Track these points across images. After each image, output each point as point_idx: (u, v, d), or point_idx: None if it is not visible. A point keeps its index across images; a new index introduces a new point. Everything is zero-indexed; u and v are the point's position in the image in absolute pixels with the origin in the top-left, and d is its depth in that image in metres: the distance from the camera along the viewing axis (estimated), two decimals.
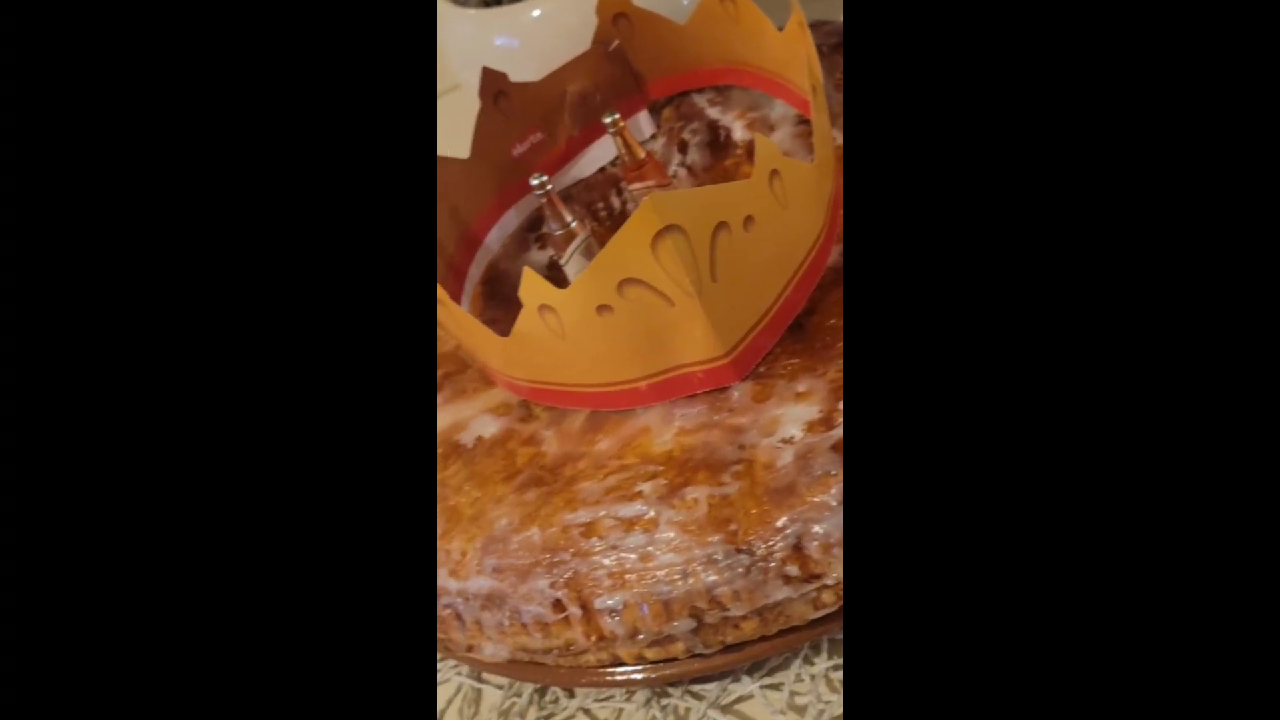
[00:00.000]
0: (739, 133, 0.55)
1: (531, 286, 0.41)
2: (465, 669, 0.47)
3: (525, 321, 0.43)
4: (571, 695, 0.45)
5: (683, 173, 0.55)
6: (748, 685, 0.42)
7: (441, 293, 0.45)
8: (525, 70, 0.57)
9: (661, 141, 0.57)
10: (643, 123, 0.58)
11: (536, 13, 0.61)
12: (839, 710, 0.40)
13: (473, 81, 0.56)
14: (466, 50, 0.64)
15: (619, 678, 0.42)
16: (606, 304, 0.41)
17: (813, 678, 0.42)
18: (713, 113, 0.56)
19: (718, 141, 0.55)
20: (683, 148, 0.56)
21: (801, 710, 0.41)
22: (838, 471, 0.39)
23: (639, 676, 0.42)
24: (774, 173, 0.42)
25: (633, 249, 0.40)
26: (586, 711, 0.44)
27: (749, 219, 0.42)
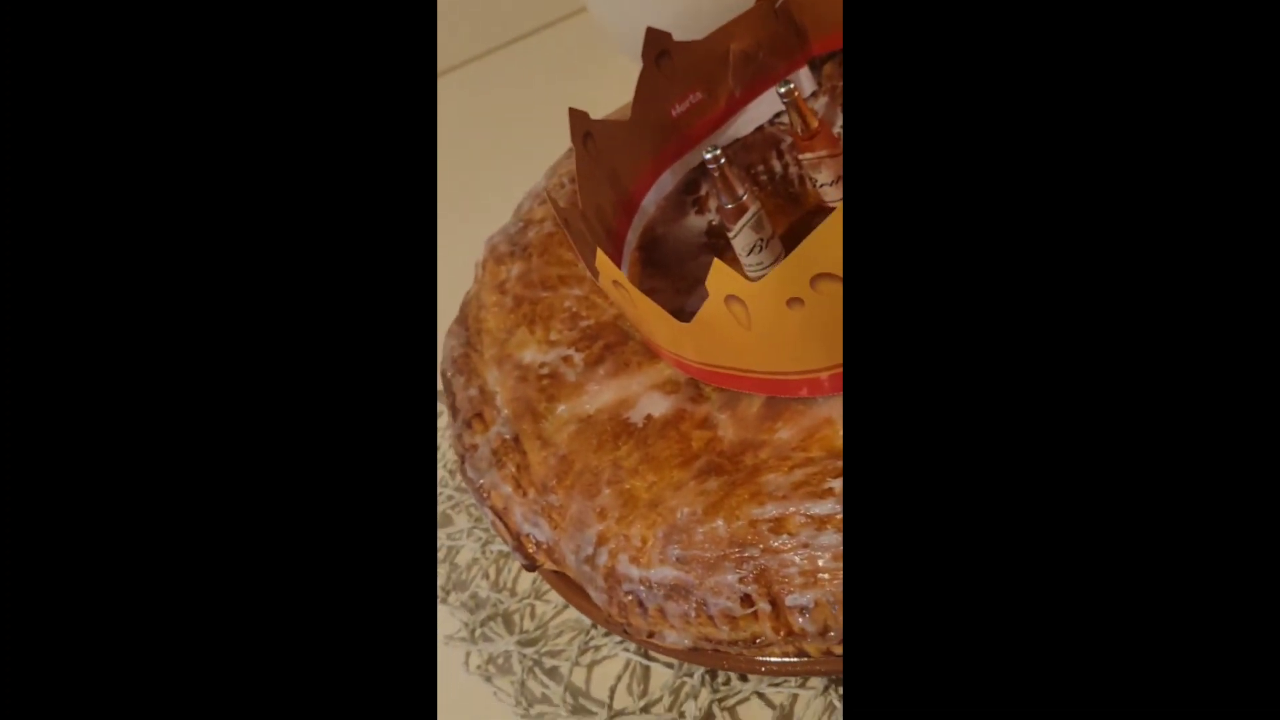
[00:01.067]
0: None
1: (720, 277, 0.40)
2: (632, 645, 0.47)
3: (710, 310, 0.41)
4: (745, 679, 0.45)
5: (841, 136, 0.53)
6: None
7: (619, 273, 0.43)
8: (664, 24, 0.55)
9: (824, 100, 0.55)
10: (804, 80, 0.55)
11: None
12: None
13: (609, 17, 0.54)
14: None
15: (795, 665, 0.42)
16: (798, 297, 0.39)
17: None
18: None
19: None
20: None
21: None
22: None
23: (822, 662, 0.41)
24: None
25: (828, 246, 0.38)
26: (761, 695, 0.44)
27: None
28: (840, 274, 0.39)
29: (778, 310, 0.40)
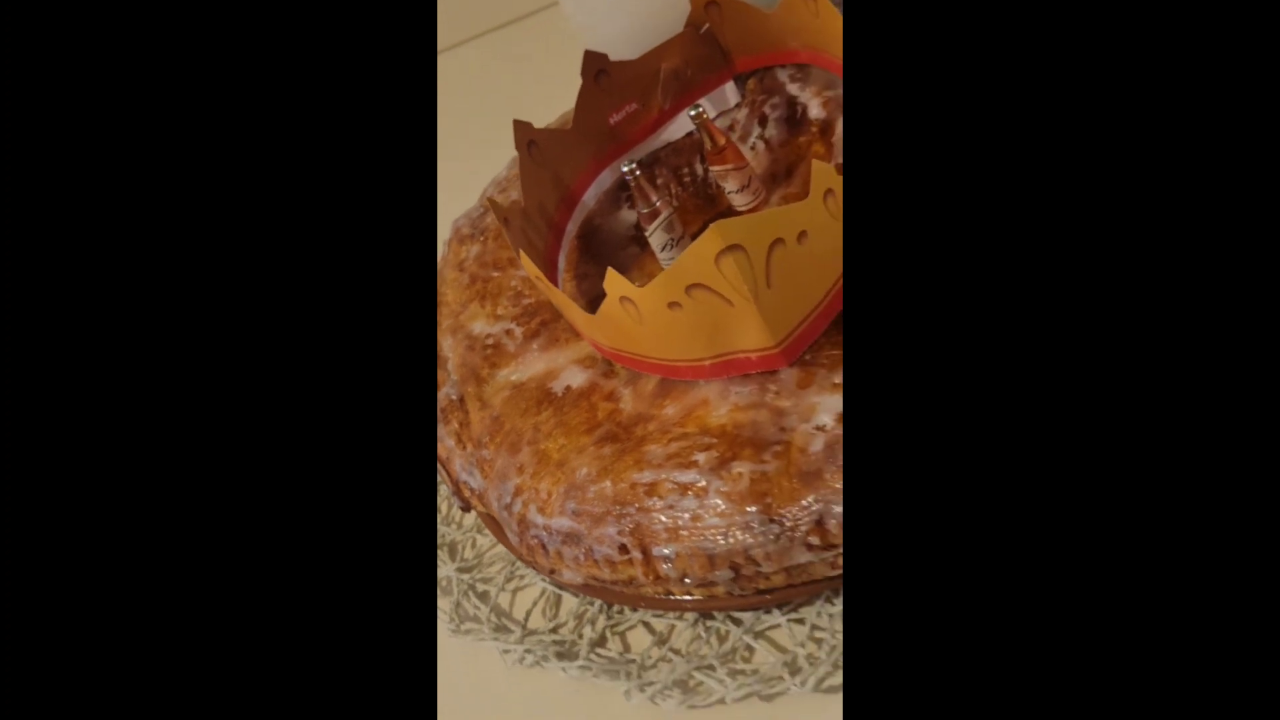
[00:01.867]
0: (815, 110, 0.59)
1: (614, 282, 0.47)
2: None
3: (608, 307, 0.49)
4: (635, 610, 0.53)
5: (760, 145, 0.60)
6: (777, 618, 0.50)
7: (537, 271, 0.51)
8: (621, 30, 0.62)
9: (744, 112, 0.61)
10: (729, 93, 0.62)
11: None
12: None
13: (579, 16, 0.61)
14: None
15: (674, 601, 0.50)
16: (677, 302, 0.47)
17: (831, 616, 0.49)
18: (793, 88, 0.60)
19: (795, 117, 0.60)
20: (762, 121, 0.60)
21: (818, 642, 0.49)
22: None
23: (690, 600, 0.50)
24: (828, 191, 0.47)
25: (700, 262, 0.45)
26: (646, 624, 0.52)
27: (803, 234, 0.47)
28: (712, 286, 0.46)
29: (661, 311, 0.47)
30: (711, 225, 0.44)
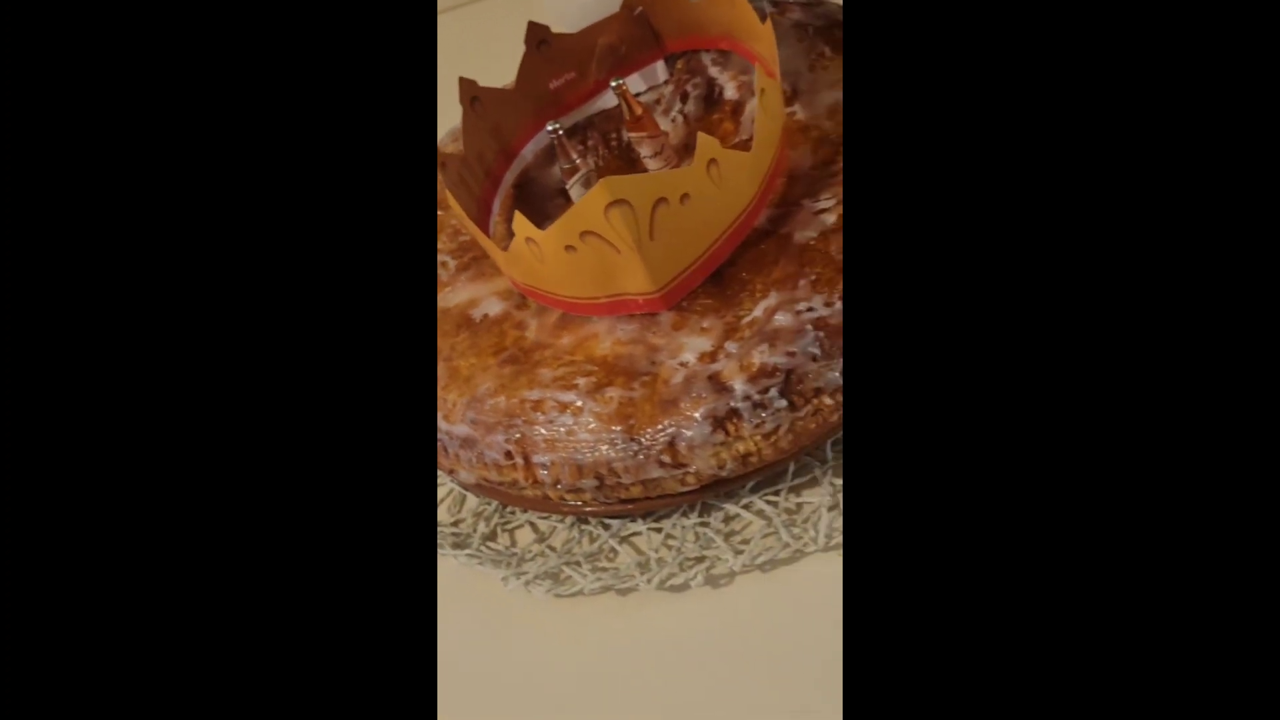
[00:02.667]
0: (730, 91, 0.65)
1: (521, 224, 0.54)
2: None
3: (517, 245, 0.55)
4: (524, 511, 0.60)
5: (680, 119, 0.66)
6: (640, 525, 0.57)
7: (462, 212, 0.57)
8: (571, 7, 0.68)
9: (670, 88, 0.67)
10: (659, 70, 0.68)
11: None
12: (695, 552, 0.54)
13: None
14: None
15: (553, 504, 0.57)
16: (572, 245, 0.53)
17: (684, 527, 0.56)
18: (713, 71, 0.66)
19: (712, 96, 0.66)
20: (684, 97, 0.66)
21: (670, 548, 0.55)
22: (708, 395, 0.52)
23: (569, 506, 0.56)
24: (712, 161, 0.53)
25: (592, 212, 0.52)
26: (532, 524, 0.59)
27: (685, 196, 0.53)
28: (601, 234, 0.53)
29: (559, 252, 0.54)
30: (601, 181, 0.50)
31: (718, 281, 0.56)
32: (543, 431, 0.54)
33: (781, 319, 0.52)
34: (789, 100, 0.62)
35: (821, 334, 0.52)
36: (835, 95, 0.62)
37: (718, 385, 0.52)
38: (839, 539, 0.53)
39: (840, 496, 0.54)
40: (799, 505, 0.55)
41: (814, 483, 0.55)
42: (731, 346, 0.53)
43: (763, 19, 0.60)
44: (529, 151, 0.68)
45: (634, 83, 0.68)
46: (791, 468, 0.55)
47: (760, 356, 0.52)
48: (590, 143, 0.67)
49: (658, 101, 0.67)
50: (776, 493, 0.55)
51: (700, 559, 0.54)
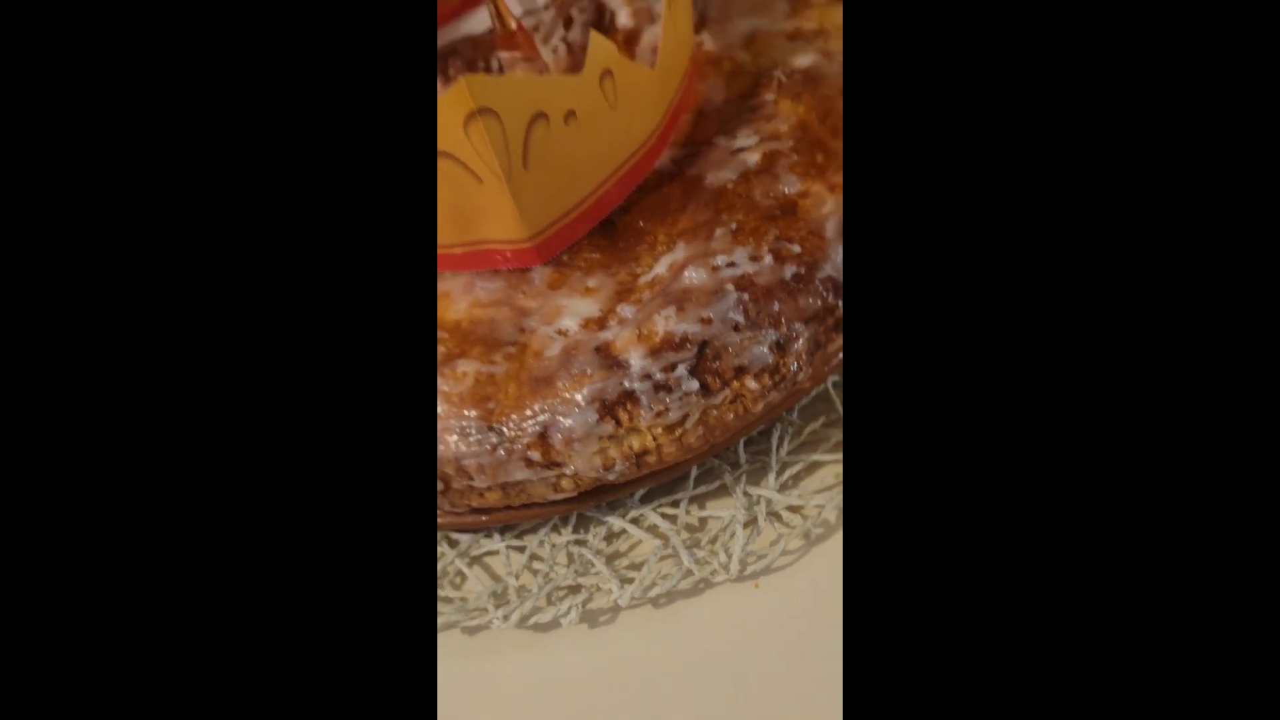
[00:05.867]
0: (623, 18, 0.49)
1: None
2: None
3: None
4: None
5: (562, 48, 0.49)
6: (496, 543, 0.39)
7: None
8: None
9: (551, 13, 0.51)
10: None
11: None
12: (568, 580, 0.37)
13: None
14: None
15: None
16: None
17: (554, 546, 0.39)
18: None
19: (601, 23, 0.49)
20: (568, 23, 0.50)
21: (535, 573, 0.38)
22: (594, 371, 0.35)
23: None
24: (607, 72, 0.37)
25: (446, 125, 0.35)
26: None
27: (570, 113, 0.37)
28: (458, 156, 0.36)
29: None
30: (462, 78, 0.34)
31: (608, 231, 0.40)
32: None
33: (693, 276, 0.36)
34: (696, 28, 0.46)
35: (745, 295, 0.35)
36: (752, 22, 0.46)
37: (607, 359, 0.35)
38: (754, 565, 0.37)
39: (756, 511, 0.38)
40: (703, 521, 0.38)
41: (723, 492, 0.39)
42: (626, 310, 0.36)
43: None
44: None
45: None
46: (694, 472, 0.39)
47: (665, 324, 0.35)
48: (451, 73, 0.50)
49: (536, 29, 0.50)
50: (675, 504, 0.39)
51: (575, 589, 0.38)
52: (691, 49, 0.44)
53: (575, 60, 0.49)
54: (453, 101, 0.34)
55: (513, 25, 0.44)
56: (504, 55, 0.46)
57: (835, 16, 0.46)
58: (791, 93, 0.42)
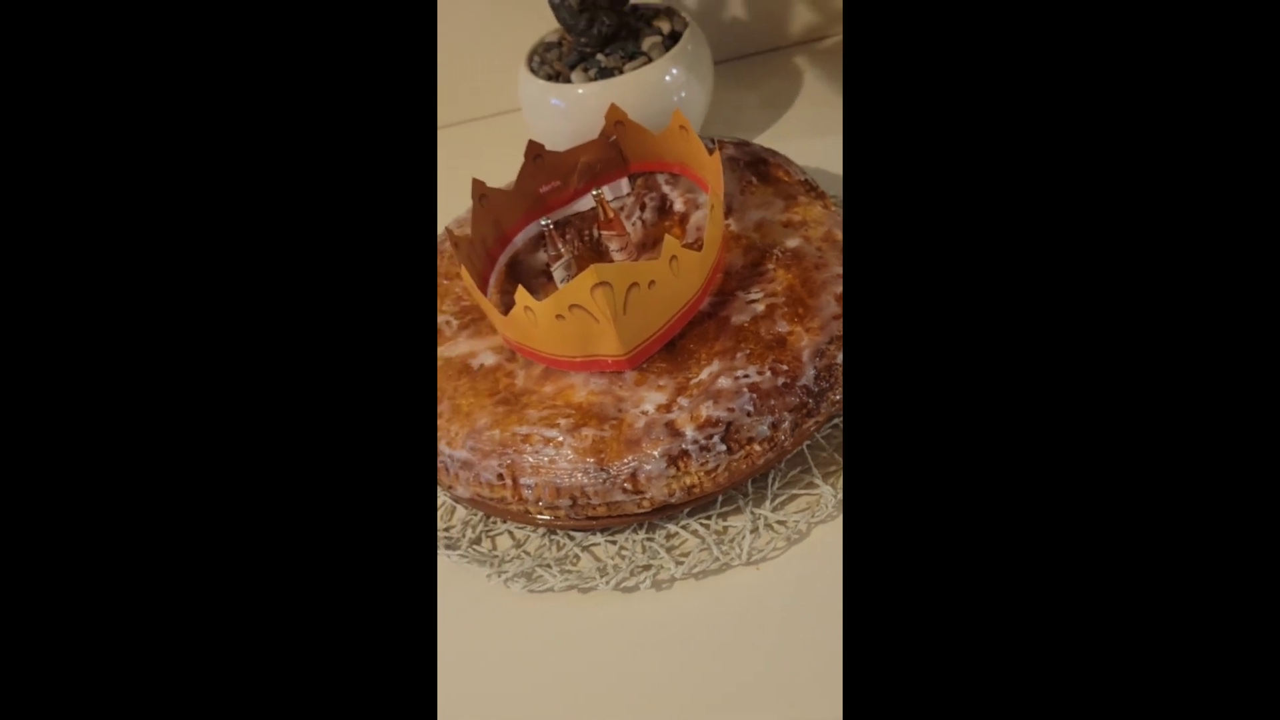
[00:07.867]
0: (679, 205, 0.71)
1: (522, 295, 0.58)
2: (446, 493, 0.65)
3: (516, 312, 0.59)
4: (505, 522, 0.63)
5: (639, 224, 0.71)
6: (598, 538, 0.60)
7: (472, 282, 0.61)
8: (561, 131, 0.73)
9: (632, 199, 0.73)
10: (623, 185, 0.73)
11: (580, 90, 0.76)
12: (643, 561, 0.58)
13: (533, 120, 0.72)
14: (533, 99, 0.79)
15: (531, 518, 0.60)
16: (561, 315, 0.57)
17: (635, 541, 0.59)
18: (666, 188, 0.72)
19: (664, 208, 0.71)
20: (642, 207, 0.71)
21: (623, 556, 0.59)
22: (664, 438, 0.56)
23: (542, 519, 0.60)
24: (674, 257, 0.58)
25: (580, 289, 0.56)
26: (510, 533, 0.62)
27: (652, 282, 0.58)
28: (586, 307, 0.57)
29: (550, 320, 0.58)
30: (592, 266, 0.55)
31: (672, 350, 0.61)
32: (530, 460, 0.58)
33: (723, 382, 0.57)
34: (725, 215, 0.68)
35: (754, 395, 0.56)
36: (760, 214, 0.68)
37: (672, 431, 0.56)
38: (758, 556, 0.57)
39: (758, 523, 0.58)
40: (725, 528, 0.59)
41: (738, 510, 0.60)
42: (683, 401, 0.58)
43: (710, 153, 0.66)
44: (520, 239, 0.72)
45: (604, 194, 0.73)
46: (720, 499, 0.60)
47: (706, 410, 0.56)
48: (568, 236, 0.72)
49: (621, 209, 0.72)
50: (709, 517, 0.59)
51: (647, 567, 0.58)
52: (723, 230, 0.65)
53: (646, 232, 0.70)
54: (586, 277, 0.55)
55: (611, 215, 0.66)
56: (603, 234, 0.67)
57: (814, 212, 0.67)
58: (784, 264, 0.63)
